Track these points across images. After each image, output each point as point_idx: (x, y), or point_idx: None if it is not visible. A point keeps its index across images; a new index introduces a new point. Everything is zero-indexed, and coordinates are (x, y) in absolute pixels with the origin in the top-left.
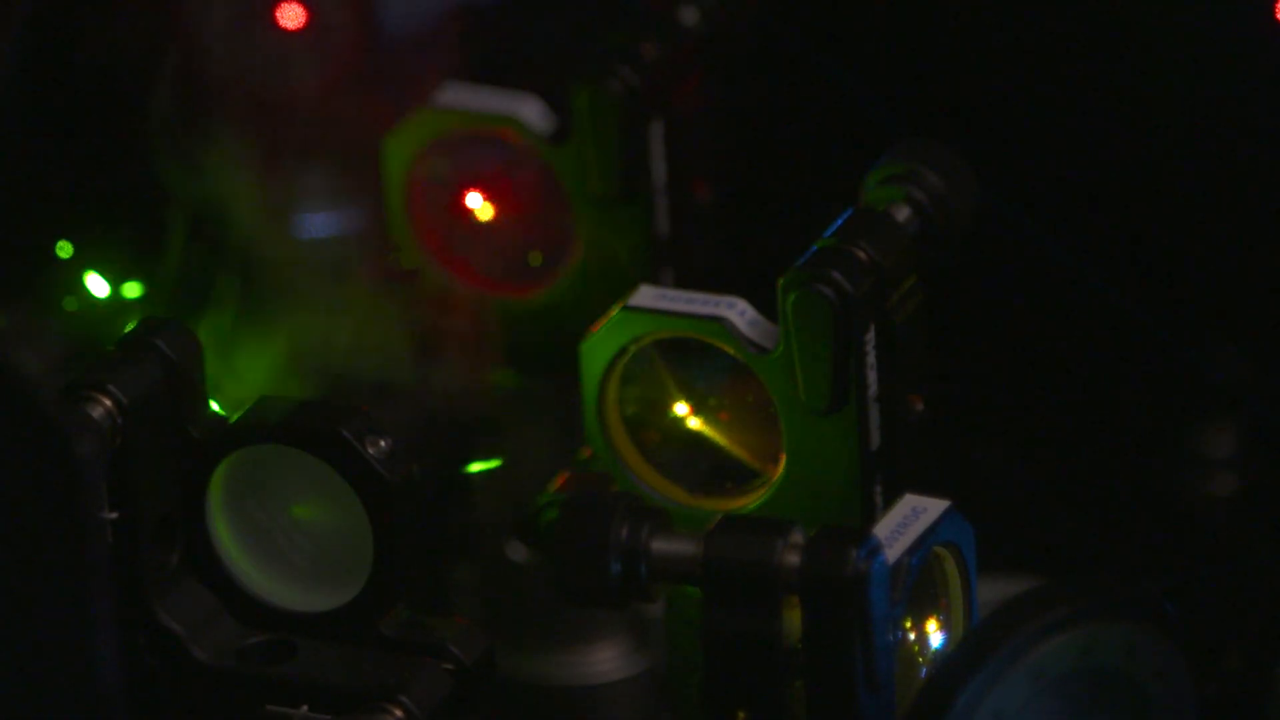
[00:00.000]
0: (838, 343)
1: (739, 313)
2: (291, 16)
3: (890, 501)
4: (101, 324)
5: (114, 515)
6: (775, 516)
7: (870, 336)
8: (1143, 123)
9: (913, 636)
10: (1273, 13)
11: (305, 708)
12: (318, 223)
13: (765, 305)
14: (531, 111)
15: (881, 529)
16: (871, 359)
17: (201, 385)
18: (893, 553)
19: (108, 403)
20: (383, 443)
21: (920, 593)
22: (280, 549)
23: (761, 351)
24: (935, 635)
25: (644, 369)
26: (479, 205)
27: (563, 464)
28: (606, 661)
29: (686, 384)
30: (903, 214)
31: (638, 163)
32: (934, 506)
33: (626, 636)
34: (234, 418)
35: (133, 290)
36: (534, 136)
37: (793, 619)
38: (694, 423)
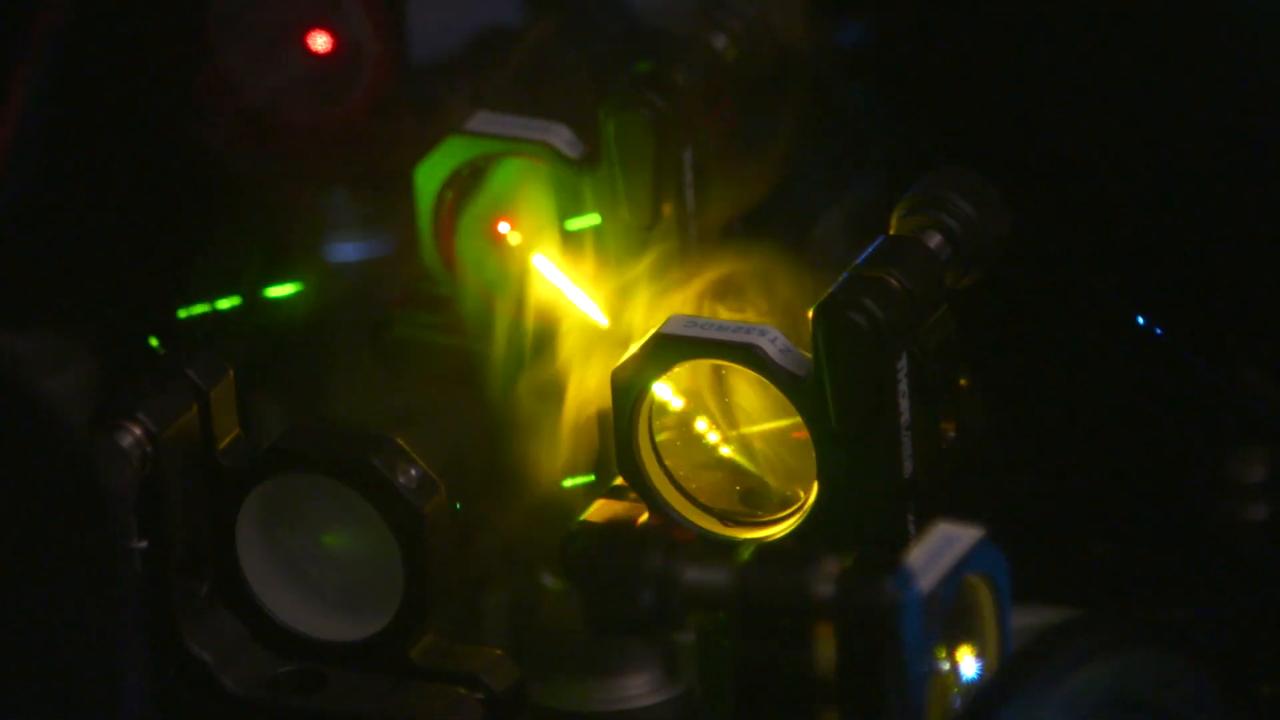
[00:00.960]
0: (870, 370)
1: (770, 340)
2: (321, 41)
3: (923, 529)
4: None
5: (143, 544)
6: (807, 545)
7: (902, 364)
8: (1177, 149)
9: (946, 666)
10: None
11: None
12: (347, 248)
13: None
14: (561, 138)
15: (914, 558)
16: (903, 386)
17: (232, 413)
18: (926, 582)
19: (137, 431)
20: (413, 471)
21: (953, 622)
22: (310, 577)
23: (793, 379)
24: (969, 665)
25: (675, 396)
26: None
27: (594, 492)
28: (637, 687)
29: (718, 412)
30: (934, 241)
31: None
32: (967, 535)
33: (657, 663)
34: (263, 446)
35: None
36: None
37: (826, 648)
38: (725, 450)
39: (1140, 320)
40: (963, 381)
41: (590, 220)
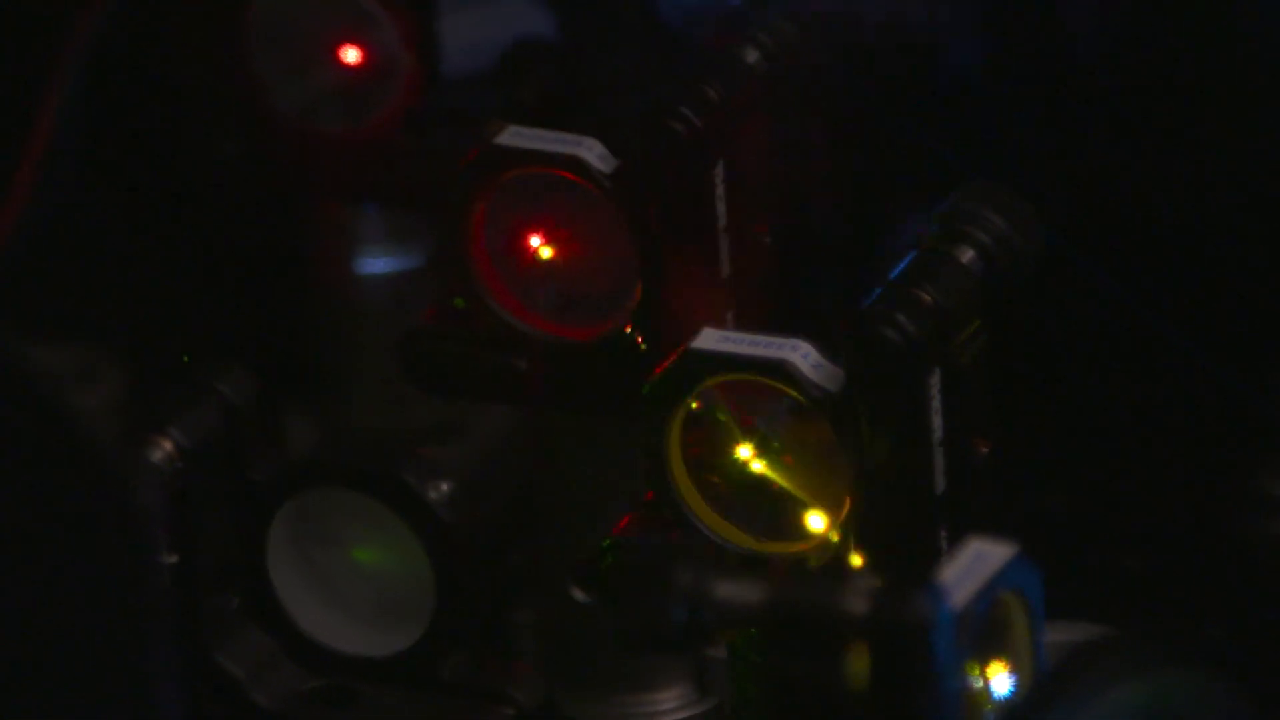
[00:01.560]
0: (902, 385)
1: (802, 355)
2: (352, 55)
3: (955, 546)
4: None
5: (173, 559)
6: (840, 562)
7: (934, 380)
8: (1212, 161)
9: (979, 683)
10: None
11: None
12: (377, 261)
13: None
14: (592, 153)
15: (947, 574)
16: (936, 402)
17: (262, 427)
18: (958, 599)
19: (168, 446)
20: (444, 485)
21: (986, 639)
22: (340, 592)
23: (826, 394)
24: (1002, 682)
25: (707, 412)
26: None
27: (624, 507)
28: (668, 702)
29: (750, 427)
30: (967, 256)
31: None
32: (1000, 551)
33: (688, 678)
34: (293, 461)
35: None
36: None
37: (858, 664)
38: (757, 466)
39: (1173, 334)
40: (983, 449)
41: None
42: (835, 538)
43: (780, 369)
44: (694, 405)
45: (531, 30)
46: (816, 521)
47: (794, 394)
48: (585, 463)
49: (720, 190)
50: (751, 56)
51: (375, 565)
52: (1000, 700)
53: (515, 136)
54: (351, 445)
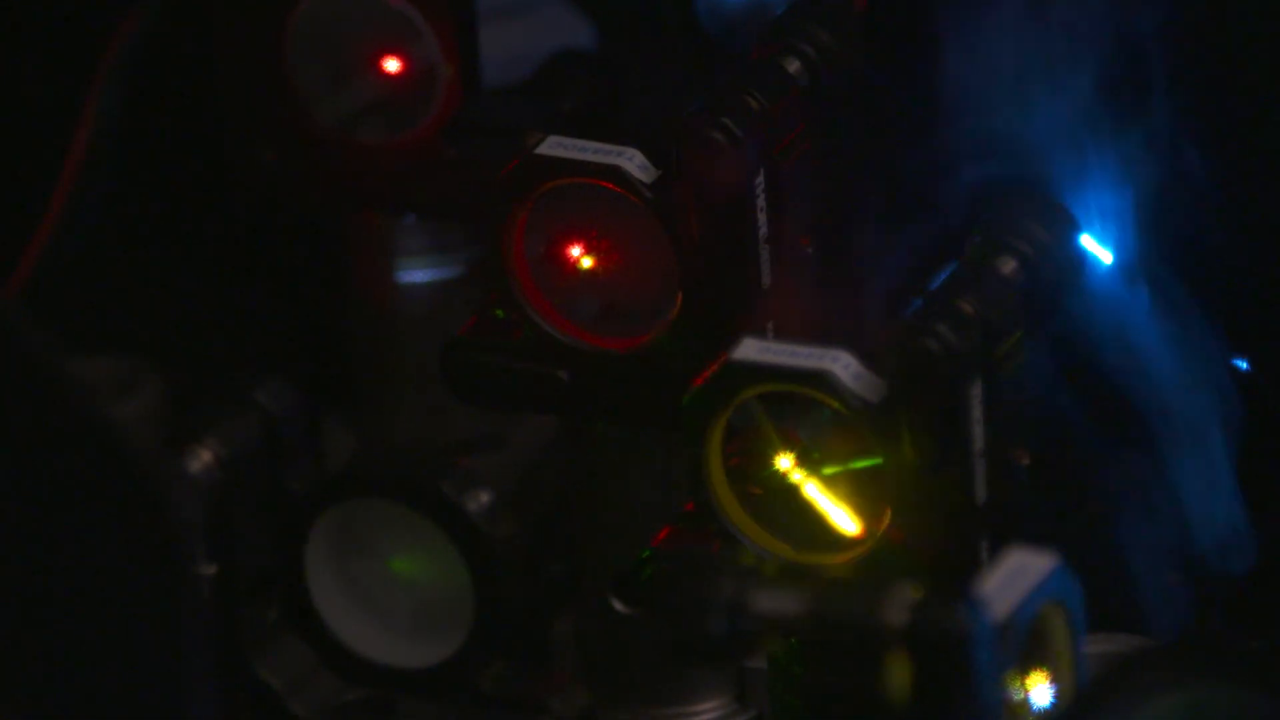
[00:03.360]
0: (943, 396)
1: (843, 365)
2: (393, 64)
3: (996, 557)
4: None
5: (212, 570)
6: (881, 573)
7: (976, 390)
8: (1256, 175)
9: (1019, 695)
10: None
11: None
12: (417, 271)
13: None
14: (633, 163)
15: (988, 585)
16: (977, 413)
17: (301, 437)
18: (999, 610)
19: (206, 456)
20: (483, 497)
21: (1027, 650)
22: (379, 603)
23: (866, 405)
24: (1042, 693)
25: (747, 422)
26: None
27: (665, 518)
28: (709, 713)
29: (790, 437)
30: (1009, 267)
31: None
32: (1040, 562)
33: (728, 688)
34: (333, 471)
35: None
36: None
37: (898, 675)
38: (798, 476)
39: (1220, 343)
40: (1024, 460)
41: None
42: (876, 548)
43: (821, 379)
44: (733, 416)
45: (571, 40)
46: (857, 532)
47: (835, 404)
48: (625, 474)
49: (761, 200)
50: (793, 66)
51: (414, 576)
52: (1040, 712)
53: (555, 146)
54: (390, 456)
